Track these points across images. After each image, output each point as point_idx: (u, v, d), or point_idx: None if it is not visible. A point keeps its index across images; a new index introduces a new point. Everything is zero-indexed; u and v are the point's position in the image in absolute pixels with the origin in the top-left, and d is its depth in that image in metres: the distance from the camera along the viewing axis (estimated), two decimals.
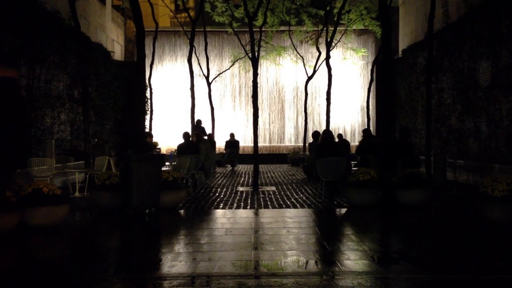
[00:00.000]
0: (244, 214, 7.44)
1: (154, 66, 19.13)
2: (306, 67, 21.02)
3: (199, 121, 17.18)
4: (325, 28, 18.06)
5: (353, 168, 10.62)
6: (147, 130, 16.46)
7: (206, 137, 14.93)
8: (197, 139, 12.71)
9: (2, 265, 4.50)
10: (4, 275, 4.05)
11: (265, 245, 5.27)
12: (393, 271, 4.37)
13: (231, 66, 22.42)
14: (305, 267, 4.44)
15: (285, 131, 25.43)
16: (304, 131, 20.53)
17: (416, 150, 13.40)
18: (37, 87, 11.76)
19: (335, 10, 17.77)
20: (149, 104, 18.39)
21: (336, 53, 22.21)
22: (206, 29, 19.52)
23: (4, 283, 3.72)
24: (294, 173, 15.18)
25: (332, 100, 16.47)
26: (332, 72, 16.40)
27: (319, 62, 19.32)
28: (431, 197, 8.12)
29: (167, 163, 10.78)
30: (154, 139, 15.98)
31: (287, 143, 25.19)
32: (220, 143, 20.14)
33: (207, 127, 18.28)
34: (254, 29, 12.71)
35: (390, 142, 8.77)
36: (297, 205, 8.28)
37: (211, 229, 6.30)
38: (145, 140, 10.58)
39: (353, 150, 16.16)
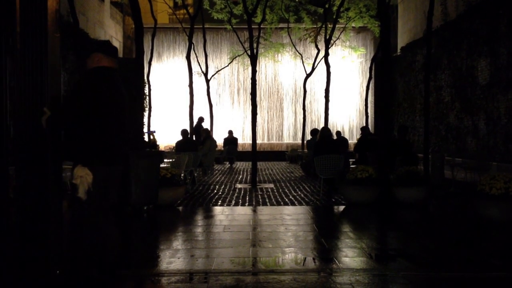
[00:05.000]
0: (242, 211, 7.45)
1: (153, 63, 19.08)
2: (304, 65, 21.01)
3: (201, 119, 17.18)
4: (324, 26, 18.05)
5: (351, 166, 10.63)
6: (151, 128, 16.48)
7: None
8: (206, 135, 12.80)
9: None
10: None
11: (263, 242, 5.28)
12: (390, 268, 4.38)
13: (229, 63, 22.41)
14: (303, 264, 4.45)
15: (284, 128, 25.44)
16: (303, 129, 20.53)
17: (414, 148, 13.42)
18: None
19: (334, 8, 17.75)
20: (147, 100, 18.36)
21: (334, 51, 22.20)
22: (205, 26, 19.48)
23: None
24: (292, 171, 15.20)
25: (330, 98, 16.46)
26: (331, 69, 16.40)
27: (318, 59, 19.32)
28: (428, 195, 8.13)
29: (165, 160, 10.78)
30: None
31: (285, 140, 25.21)
32: (219, 140, 20.14)
33: (206, 124, 18.27)
34: (253, 26, 12.69)
35: (388, 140, 8.78)
36: (295, 202, 8.29)
37: (209, 226, 6.31)
38: (143, 137, 10.57)
39: (351, 148, 16.17)
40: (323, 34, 17.98)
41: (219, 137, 20.25)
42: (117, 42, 22.08)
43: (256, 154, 11.81)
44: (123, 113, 3.57)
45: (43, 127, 3.39)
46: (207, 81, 19.71)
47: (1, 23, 3.68)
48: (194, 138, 15.09)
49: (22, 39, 3.47)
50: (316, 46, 19.67)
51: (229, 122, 24.13)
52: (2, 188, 3.52)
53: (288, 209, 7.59)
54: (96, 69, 3.46)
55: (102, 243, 3.45)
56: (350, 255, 4.74)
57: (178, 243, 5.36)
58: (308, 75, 19.91)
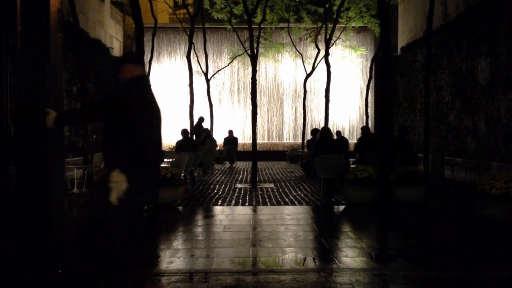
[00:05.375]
0: (243, 211, 7.45)
1: (153, 63, 19.08)
2: (305, 64, 21.00)
3: (201, 119, 17.18)
4: (324, 25, 18.04)
5: (351, 166, 10.63)
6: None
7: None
8: (206, 135, 12.80)
9: None
10: None
11: (263, 242, 5.28)
12: (390, 268, 4.38)
13: (230, 63, 22.40)
14: (303, 264, 4.46)
15: (284, 128, 25.44)
16: (303, 128, 20.52)
17: (414, 148, 13.42)
18: None
19: (334, 8, 17.75)
20: None
21: (335, 51, 22.20)
22: (205, 26, 19.48)
23: None
24: (293, 170, 15.20)
25: (331, 98, 16.46)
26: (331, 69, 16.39)
27: (318, 59, 19.31)
28: (429, 195, 8.14)
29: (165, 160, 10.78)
30: None
31: (285, 140, 25.20)
32: (219, 140, 20.14)
33: (206, 124, 18.27)
34: (253, 26, 12.69)
35: (388, 139, 8.78)
36: (295, 202, 8.29)
37: (209, 225, 6.31)
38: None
39: (351, 148, 16.17)
40: (323, 34, 17.97)
41: (219, 137, 20.25)
42: (117, 41, 22.08)
43: (256, 153, 11.81)
44: (158, 118, 3.68)
45: (47, 127, 3.41)
46: (207, 80, 19.70)
47: (1, 22, 3.69)
48: (194, 138, 15.09)
49: (23, 38, 3.48)
50: (317, 46, 19.65)
51: (229, 121, 24.12)
52: (2, 188, 3.52)
53: (288, 209, 7.59)
54: (133, 79, 3.55)
55: (123, 245, 3.52)
56: (350, 255, 4.75)
57: (178, 242, 5.37)
58: (308, 75, 19.90)
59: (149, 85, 3.67)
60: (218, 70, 22.09)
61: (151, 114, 3.58)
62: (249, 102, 19.40)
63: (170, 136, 20.58)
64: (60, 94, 3.64)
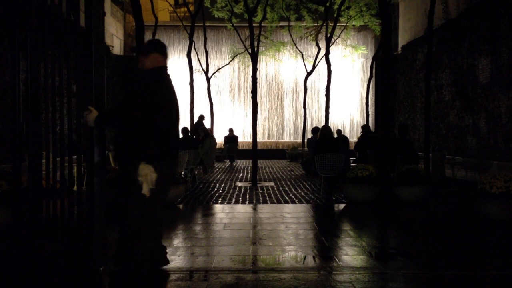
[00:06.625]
0: (243, 209, 7.45)
1: None
2: (305, 63, 20.99)
3: (202, 117, 17.17)
4: (324, 24, 18.03)
5: (352, 164, 10.63)
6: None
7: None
8: (205, 134, 12.79)
9: None
10: None
11: (263, 240, 5.28)
12: (390, 266, 4.38)
13: (230, 61, 22.39)
14: (303, 262, 4.46)
15: (284, 126, 25.43)
16: (303, 127, 20.54)
17: (415, 147, 13.42)
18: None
19: (335, 6, 17.73)
20: None
21: (335, 50, 22.19)
22: (206, 24, 19.47)
23: None
24: (293, 169, 15.20)
25: (331, 96, 16.46)
26: (332, 68, 16.38)
27: (319, 58, 19.31)
28: (429, 193, 8.13)
29: None
30: None
31: (286, 138, 25.21)
32: (219, 139, 20.15)
33: (206, 122, 18.27)
34: (253, 25, 12.68)
35: (388, 138, 8.78)
36: (296, 200, 8.30)
37: (210, 224, 6.32)
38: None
39: (352, 146, 16.17)
40: (324, 32, 17.97)
41: (220, 135, 20.25)
42: (117, 39, 22.07)
43: (256, 152, 11.81)
44: (178, 110, 3.77)
45: (88, 125, 3.49)
46: (208, 79, 19.70)
47: (13, 18, 3.74)
48: (194, 137, 15.09)
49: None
50: (317, 45, 19.65)
51: (230, 120, 24.12)
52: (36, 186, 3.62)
53: (289, 207, 7.59)
54: (157, 69, 3.62)
55: (153, 238, 3.67)
56: (350, 254, 4.75)
57: (178, 241, 5.37)
58: (308, 74, 19.90)
59: (170, 78, 3.75)
60: (219, 69, 22.08)
61: (174, 106, 3.67)
62: (250, 100, 19.38)
63: None
64: (102, 91, 3.68)
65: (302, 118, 21.08)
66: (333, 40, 17.57)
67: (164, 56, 3.72)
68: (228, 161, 18.68)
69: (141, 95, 3.46)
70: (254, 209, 7.54)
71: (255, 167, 11.36)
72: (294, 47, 21.57)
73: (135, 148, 3.51)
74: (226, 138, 19.21)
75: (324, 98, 16.59)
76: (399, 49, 19.77)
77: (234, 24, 19.55)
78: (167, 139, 3.56)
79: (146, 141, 3.47)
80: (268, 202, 8.17)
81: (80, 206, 3.88)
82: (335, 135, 14.23)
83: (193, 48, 17.07)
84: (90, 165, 3.60)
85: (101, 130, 3.60)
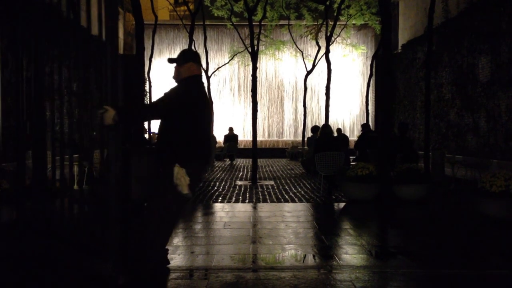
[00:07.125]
0: (243, 208, 7.45)
1: (153, 60, 19.08)
2: (305, 62, 20.98)
3: None
4: (324, 23, 18.01)
5: (352, 163, 10.63)
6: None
7: None
8: None
9: None
10: None
11: (263, 239, 5.29)
12: (390, 265, 4.39)
13: (230, 60, 22.38)
14: (303, 261, 4.46)
15: (284, 125, 25.44)
16: (303, 126, 20.53)
17: (415, 145, 13.42)
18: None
19: (335, 5, 17.72)
20: (148, 97, 18.35)
21: (335, 48, 22.17)
22: (206, 23, 19.46)
23: None
24: (293, 168, 15.19)
25: (331, 95, 16.45)
26: (332, 66, 16.37)
27: (319, 56, 19.30)
28: (429, 192, 8.13)
29: None
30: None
31: (286, 137, 25.21)
32: (219, 137, 20.14)
33: None
34: (253, 23, 12.67)
35: (388, 137, 8.78)
36: (296, 199, 8.30)
37: (210, 222, 6.32)
38: (143, 134, 10.58)
39: (352, 145, 16.17)
40: (324, 31, 17.95)
41: (220, 134, 20.25)
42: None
43: (256, 151, 11.82)
44: (210, 115, 4.06)
45: (105, 123, 3.55)
46: (208, 78, 19.69)
47: (18, 22, 3.81)
48: None
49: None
50: (317, 43, 19.63)
51: (230, 119, 24.11)
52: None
53: (289, 206, 7.59)
54: (193, 77, 3.86)
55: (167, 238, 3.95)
56: (350, 252, 4.75)
57: (178, 239, 5.36)
58: (308, 72, 19.89)
59: (204, 85, 4.01)
60: (219, 67, 22.07)
61: (207, 112, 3.93)
62: (250, 99, 19.35)
63: None
64: (116, 89, 3.79)
65: (302, 117, 21.08)
66: (333, 38, 17.56)
67: (198, 64, 3.93)
68: (228, 160, 18.68)
69: (170, 98, 3.71)
70: (254, 208, 7.55)
71: (255, 166, 11.36)
72: (294, 46, 21.56)
73: (168, 151, 3.72)
74: (226, 137, 19.21)
75: (324, 97, 16.58)
76: (399, 47, 19.74)
77: (234, 23, 19.54)
78: (199, 143, 3.78)
79: (181, 145, 3.70)
80: (268, 201, 8.17)
81: (90, 205, 3.98)
82: (335, 134, 14.23)
83: (193, 47, 17.06)
84: (106, 163, 3.68)
85: (117, 128, 3.64)
